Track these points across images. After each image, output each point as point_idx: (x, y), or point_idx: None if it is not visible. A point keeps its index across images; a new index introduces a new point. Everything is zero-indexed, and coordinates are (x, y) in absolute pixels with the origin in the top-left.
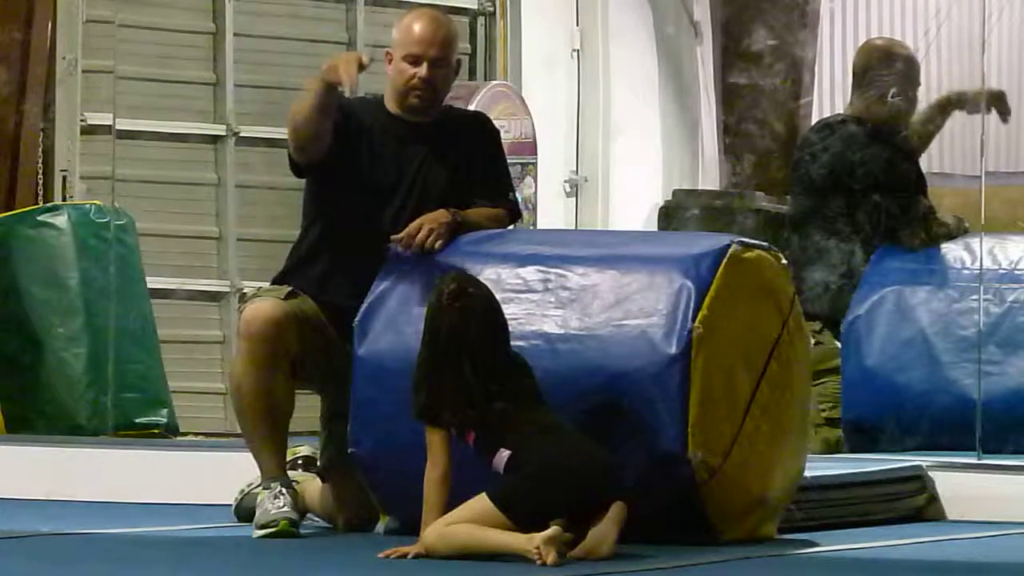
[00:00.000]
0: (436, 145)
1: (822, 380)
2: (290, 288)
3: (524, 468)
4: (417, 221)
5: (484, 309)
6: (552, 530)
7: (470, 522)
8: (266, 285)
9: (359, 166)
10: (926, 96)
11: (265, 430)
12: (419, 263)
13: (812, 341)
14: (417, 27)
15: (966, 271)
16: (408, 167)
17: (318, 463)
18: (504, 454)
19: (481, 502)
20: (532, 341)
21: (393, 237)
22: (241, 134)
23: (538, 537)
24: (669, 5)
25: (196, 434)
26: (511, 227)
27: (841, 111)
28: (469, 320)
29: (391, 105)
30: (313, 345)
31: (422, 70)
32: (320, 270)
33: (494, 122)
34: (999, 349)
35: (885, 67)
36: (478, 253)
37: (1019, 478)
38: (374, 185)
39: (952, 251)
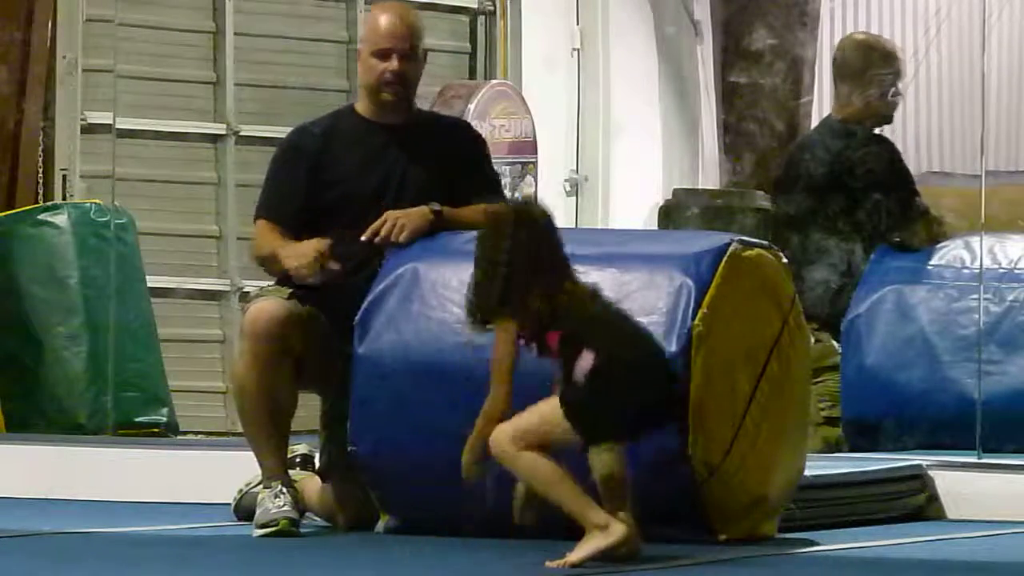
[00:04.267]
0: (416, 147)
1: (822, 378)
2: (292, 288)
3: (602, 375)
4: (383, 216)
5: (548, 226)
6: (627, 528)
7: (539, 425)
8: (268, 284)
9: (342, 180)
10: (926, 90)
11: (267, 429)
12: (419, 262)
13: (812, 339)
14: (383, 21)
15: (966, 270)
16: (393, 172)
17: (318, 463)
18: (588, 359)
19: (551, 406)
20: None
21: (363, 238)
22: (241, 133)
23: (617, 531)
24: (669, 4)
25: (196, 433)
26: None
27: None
28: (537, 239)
29: (364, 108)
30: (315, 345)
31: (392, 63)
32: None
33: (494, 121)
34: (999, 348)
35: (885, 66)
36: None
37: (1019, 477)
38: (361, 194)
39: (952, 250)
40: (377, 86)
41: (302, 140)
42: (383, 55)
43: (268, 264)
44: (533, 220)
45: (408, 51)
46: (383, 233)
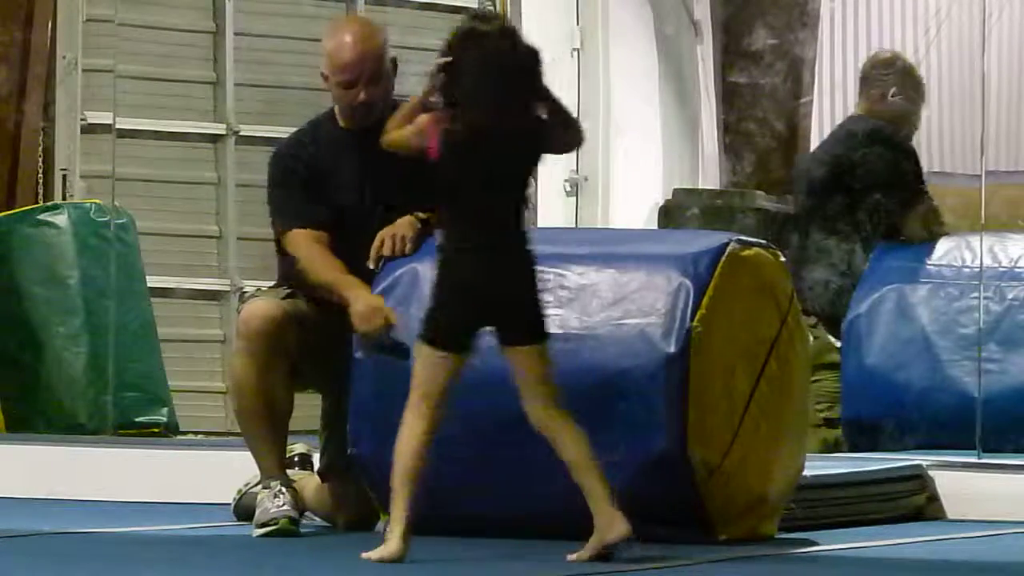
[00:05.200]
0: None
1: (818, 377)
2: (289, 289)
3: (433, 288)
4: (378, 237)
5: (504, 35)
6: (394, 546)
7: (418, 372)
8: (267, 286)
9: (335, 192)
10: (926, 90)
11: (264, 429)
12: (418, 264)
13: (811, 338)
14: (344, 52)
15: (966, 269)
16: (380, 178)
17: (318, 463)
18: (437, 240)
19: (418, 347)
20: None
21: (371, 266)
22: (241, 133)
23: (389, 540)
24: (669, 4)
25: (196, 433)
26: None
27: (840, 110)
28: (491, 53)
29: (341, 120)
30: (312, 345)
31: (360, 95)
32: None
33: None
34: (999, 347)
35: (885, 69)
36: None
37: (1019, 477)
38: (354, 204)
39: (952, 249)
40: (349, 112)
41: (298, 151)
42: (348, 86)
43: (323, 291)
44: (482, 36)
45: (373, 74)
46: (385, 252)
